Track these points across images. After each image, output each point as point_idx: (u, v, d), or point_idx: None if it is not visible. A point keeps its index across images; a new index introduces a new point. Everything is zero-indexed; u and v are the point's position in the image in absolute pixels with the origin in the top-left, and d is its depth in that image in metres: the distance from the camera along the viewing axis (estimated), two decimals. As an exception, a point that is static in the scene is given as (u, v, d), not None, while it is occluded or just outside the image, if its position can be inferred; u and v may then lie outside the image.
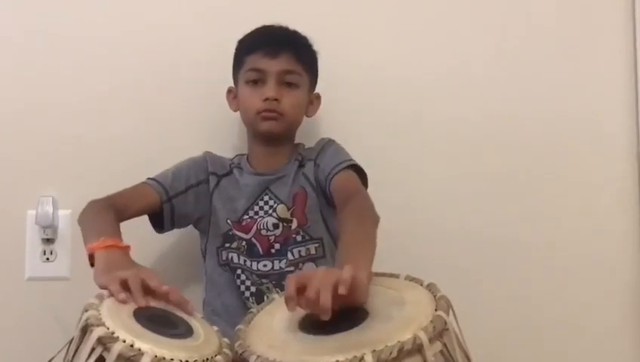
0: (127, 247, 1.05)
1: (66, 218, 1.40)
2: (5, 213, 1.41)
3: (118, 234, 1.08)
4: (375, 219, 1.07)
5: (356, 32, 1.46)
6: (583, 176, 1.49)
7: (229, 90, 1.33)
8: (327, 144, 1.30)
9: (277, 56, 1.24)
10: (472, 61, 1.49)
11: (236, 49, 1.30)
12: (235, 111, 1.32)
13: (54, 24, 1.44)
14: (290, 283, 0.85)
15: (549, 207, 1.48)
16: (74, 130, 1.43)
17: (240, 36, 1.30)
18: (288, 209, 1.25)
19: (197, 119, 1.44)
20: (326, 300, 0.81)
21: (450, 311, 0.86)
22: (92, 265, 1.01)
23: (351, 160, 1.23)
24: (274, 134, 1.26)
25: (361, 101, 1.46)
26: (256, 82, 1.25)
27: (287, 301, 0.85)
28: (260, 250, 1.24)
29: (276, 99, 1.23)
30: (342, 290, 0.81)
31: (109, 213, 1.14)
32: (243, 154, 1.35)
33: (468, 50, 1.49)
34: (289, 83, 1.25)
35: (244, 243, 1.25)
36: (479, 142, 1.48)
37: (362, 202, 1.11)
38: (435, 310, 0.84)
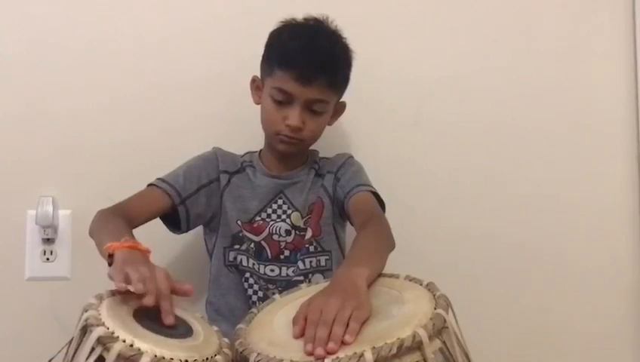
0: (148, 251, 1.01)
1: (66, 218, 1.40)
2: (5, 213, 1.40)
3: (129, 234, 1.06)
4: (390, 244, 1.07)
5: (355, 30, 1.45)
6: (583, 176, 1.49)
7: (253, 80, 1.27)
8: (349, 161, 1.29)
9: (309, 84, 1.16)
10: (472, 61, 1.49)
11: (269, 44, 1.24)
12: (256, 103, 1.27)
13: (55, 24, 1.44)
14: (301, 316, 0.85)
15: (549, 206, 1.48)
16: (74, 130, 1.42)
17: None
18: (302, 217, 1.24)
19: (199, 117, 1.44)
20: (337, 337, 0.80)
21: (450, 310, 0.86)
22: (110, 264, 0.98)
23: (372, 186, 1.23)
24: (290, 154, 1.26)
25: (361, 100, 1.45)
26: (281, 102, 1.19)
27: (295, 329, 0.85)
28: (269, 254, 1.23)
29: (299, 128, 1.19)
30: (349, 337, 0.80)
31: (119, 219, 1.11)
32: (254, 152, 1.33)
33: (468, 50, 1.50)
34: (314, 111, 1.20)
35: (252, 245, 1.23)
36: (479, 143, 1.49)
37: (381, 226, 1.11)
38: (435, 308, 0.84)
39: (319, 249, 1.24)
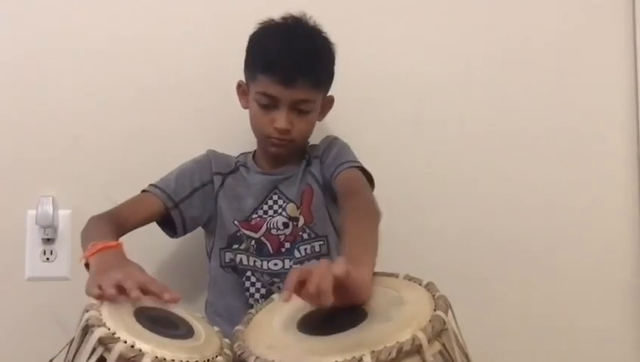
0: (119, 245, 1.03)
1: (66, 218, 1.40)
2: (5, 213, 1.41)
3: (110, 237, 1.06)
4: (376, 215, 1.07)
5: (355, 30, 1.46)
6: (583, 177, 1.49)
7: (239, 85, 1.28)
8: (333, 142, 1.29)
9: (293, 85, 1.16)
10: (471, 61, 1.49)
11: (249, 49, 1.23)
12: (244, 108, 1.28)
13: (54, 23, 1.44)
14: (293, 275, 0.84)
15: (549, 206, 1.48)
16: (74, 130, 1.43)
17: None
18: (297, 207, 1.24)
19: (198, 117, 1.44)
20: (326, 285, 0.80)
21: (449, 311, 0.86)
22: None
23: (356, 161, 1.23)
24: (282, 156, 1.26)
25: (361, 100, 1.46)
26: (267, 106, 1.20)
27: (284, 290, 0.84)
28: (270, 249, 1.23)
29: (287, 130, 1.20)
30: (338, 271, 0.81)
31: (105, 224, 1.12)
32: (248, 153, 1.34)
33: (467, 50, 1.49)
34: (301, 110, 1.20)
35: (253, 242, 1.24)
36: (479, 143, 1.48)
37: (364, 198, 1.11)
38: (434, 310, 0.84)
39: (313, 235, 1.24)
